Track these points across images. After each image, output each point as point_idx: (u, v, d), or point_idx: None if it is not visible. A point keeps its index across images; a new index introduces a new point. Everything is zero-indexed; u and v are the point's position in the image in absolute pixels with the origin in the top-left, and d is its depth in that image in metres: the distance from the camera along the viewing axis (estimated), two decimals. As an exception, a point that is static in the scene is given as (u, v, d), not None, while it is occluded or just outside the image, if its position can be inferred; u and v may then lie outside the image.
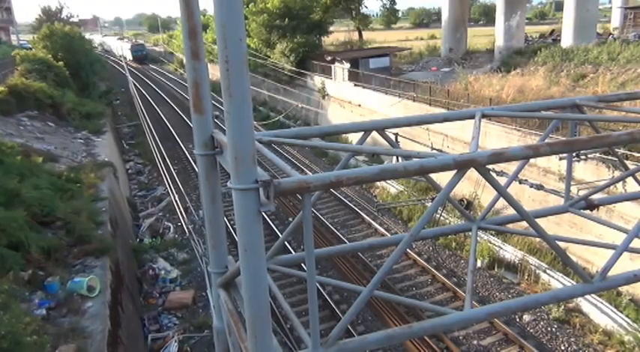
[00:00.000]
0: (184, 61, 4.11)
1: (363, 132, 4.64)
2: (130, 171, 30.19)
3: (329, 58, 38.64)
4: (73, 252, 12.62)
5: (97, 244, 12.98)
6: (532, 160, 17.84)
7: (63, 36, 38.52)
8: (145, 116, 29.85)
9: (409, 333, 3.70)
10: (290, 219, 22.12)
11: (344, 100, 35.08)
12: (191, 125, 4.19)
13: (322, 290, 15.61)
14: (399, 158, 4.08)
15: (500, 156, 3.38)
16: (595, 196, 5.41)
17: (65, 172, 17.21)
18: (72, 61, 36.53)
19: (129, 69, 52.93)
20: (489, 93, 26.51)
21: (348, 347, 3.47)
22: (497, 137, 21.47)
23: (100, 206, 15.64)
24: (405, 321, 14.19)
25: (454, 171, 3.47)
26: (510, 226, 5.29)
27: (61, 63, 34.51)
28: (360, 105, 33.06)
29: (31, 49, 41.45)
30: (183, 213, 20.66)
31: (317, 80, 38.84)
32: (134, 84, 45.87)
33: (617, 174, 15.49)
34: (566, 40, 33.37)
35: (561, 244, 4.25)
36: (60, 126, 25.86)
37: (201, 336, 14.35)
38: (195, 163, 26.07)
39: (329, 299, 15.51)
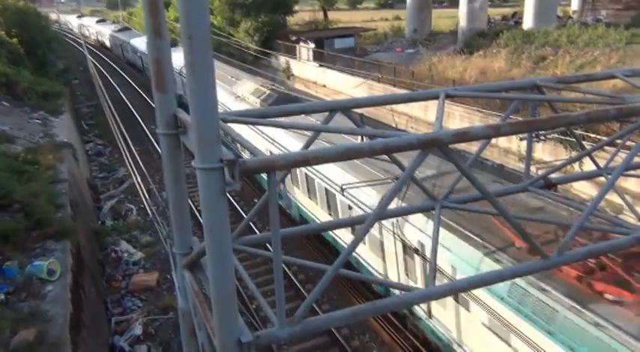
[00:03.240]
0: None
1: (328, 112, 4.64)
2: (90, 152, 29.45)
3: (294, 38, 38.33)
4: (31, 236, 12.31)
5: (57, 227, 12.68)
6: (493, 141, 18.21)
7: (16, 12, 36.96)
8: (105, 96, 29.05)
9: (373, 310, 3.76)
10: (255, 201, 22.04)
11: (309, 80, 34.94)
12: (153, 105, 4.10)
13: (288, 270, 15.68)
14: (364, 138, 4.10)
15: (463, 136, 3.44)
16: (553, 175, 5.57)
17: (22, 154, 16.69)
18: (27, 38, 35.14)
19: (87, 47, 51.28)
20: (453, 75, 26.80)
21: (314, 325, 3.51)
22: (459, 118, 21.80)
23: (60, 188, 15.25)
24: (370, 300, 14.40)
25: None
26: (473, 204, 5.41)
27: (15, 40, 33.16)
28: (325, 86, 33.00)
29: (-19, 25, 39.65)
30: (146, 195, 20.34)
31: (282, 60, 38.52)
32: (93, 62, 44.52)
33: (574, 154, 15.96)
34: (528, 23, 33.96)
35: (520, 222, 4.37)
36: (15, 106, 24.94)
37: (166, 318, 14.26)
38: (157, 144, 25.61)
39: (294, 279, 15.60)
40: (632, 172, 5.72)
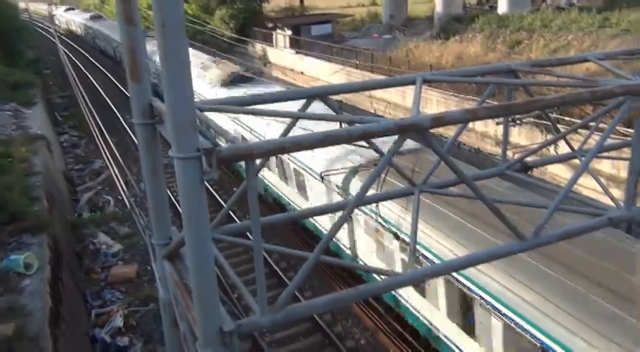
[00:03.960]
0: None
1: (305, 99, 4.62)
2: (64, 144, 28.92)
3: (270, 25, 37.99)
4: (7, 230, 12.10)
5: (33, 220, 12.48)
6: (470, 125, 18.38)
7: (-17, 1, 36.02)
8: (78, 86, 28.50)
9: (355, 295, 3.79)
10: (234, 189, 21.92)
11: (286, 68, 34.73)
12: (128, 94, 4.03)
13: (269, 258, 15.68)
14: (343, 124, 4.10)
15: (441, 120, 3.46)
16: (529, 159, 5.65)
17: (-6, 146, 16.35)
18: (-6, 27, 34.30)
19: (58, 36, 50.08)
20: (429, 60, 26.88)
21: (296, 312, 3.52)
22: (436, 103, 21.92)
23: (34, 181, 14.99)
24: (352, 285, 14.48)
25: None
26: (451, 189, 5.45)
27: (-18, 30, 32.33)
28: (302, 73, 32.85)
29: (-53, 14, 38.39)
30: (124, 186, 20.12)
31: (258, 47, 38.20)
32: (65, 51, 43.56)
33: (549, 137, 16.18)
34: (502, 7, 34.14)
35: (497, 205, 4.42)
36: (-15, 98, 24.36)
37: (147, 309, 14.19)
38: (134, 134, 25.24)
39: (276, 267, 15.61)
40: (605, 154, 5.83)
